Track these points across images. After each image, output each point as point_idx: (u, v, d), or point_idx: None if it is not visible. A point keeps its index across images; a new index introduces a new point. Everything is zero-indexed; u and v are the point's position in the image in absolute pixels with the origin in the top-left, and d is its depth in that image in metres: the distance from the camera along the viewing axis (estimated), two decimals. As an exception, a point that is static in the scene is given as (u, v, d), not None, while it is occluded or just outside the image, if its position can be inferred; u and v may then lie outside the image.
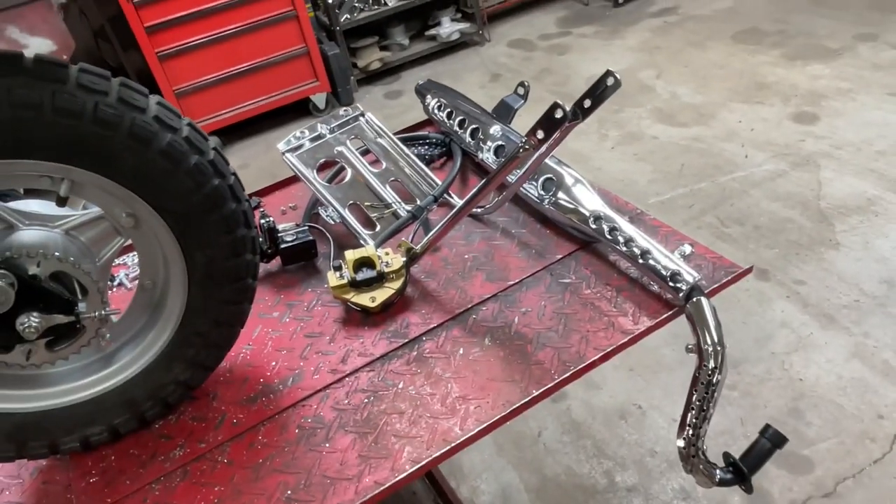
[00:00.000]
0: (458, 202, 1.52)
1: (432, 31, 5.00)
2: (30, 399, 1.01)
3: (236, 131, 4.41)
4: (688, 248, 1.18)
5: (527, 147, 1.02)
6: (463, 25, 5.00)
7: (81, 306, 0.93)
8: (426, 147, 1.73)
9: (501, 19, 5.36)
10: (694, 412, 1.08)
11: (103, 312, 0.94)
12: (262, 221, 1.37)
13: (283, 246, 1.38)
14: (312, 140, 1.57)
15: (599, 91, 0.98)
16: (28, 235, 0.92)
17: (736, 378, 2.22)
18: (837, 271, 2.55)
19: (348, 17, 4.60)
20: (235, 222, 1.01)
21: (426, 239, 1.27)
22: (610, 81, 0.97)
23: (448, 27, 4.95)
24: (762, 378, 2.21)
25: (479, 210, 1.47)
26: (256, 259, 1.09)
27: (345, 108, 1.63)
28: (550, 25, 5.17)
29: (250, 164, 4.21)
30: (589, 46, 4.71)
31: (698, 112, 3.69)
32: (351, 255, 1.26)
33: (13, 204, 0.96)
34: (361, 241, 1.41)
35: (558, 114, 0.96)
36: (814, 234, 2.73)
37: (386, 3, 4.69)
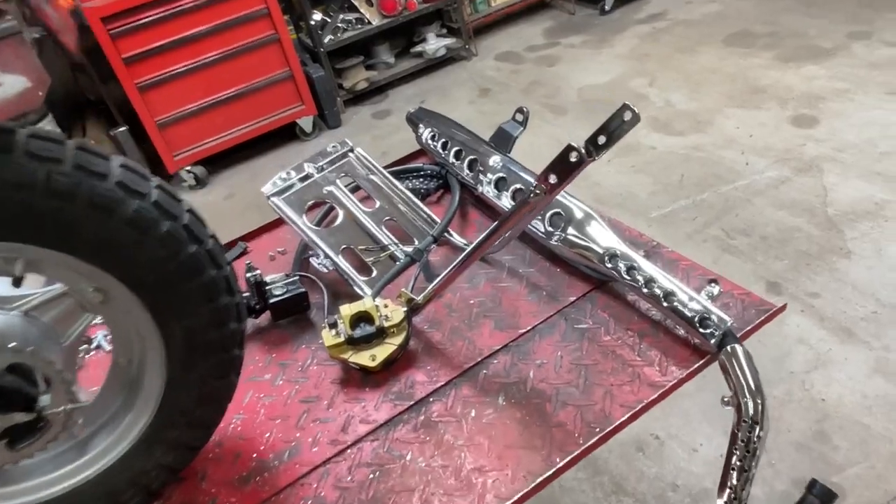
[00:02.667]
0: (458, 240, 1.41)
1: (418, 48, 4.92)
2: (-9, 504, 0.90)
3: (222, 159, 4.30)
4: (716, 289, 1.08)
5: (538, 192, 0.92)
6: (449, 41, 4.92)
7: (44, 399, 0.82)
8: (421, 180, 1.62)
9: (487, 32, 5.28)
10: (735, 473, 0.98)
11: (69, 407, 0.83)
12: (249, 276, 1.26)
13: (272, 301, 1.27)
14: (300, 181, 1.46)
15: (615, 127, 0.88)
16: (-21, 323, 0.81)
17: (755, 401, 2.11)
18: (851, 281, 2.45)
19: (332, 37, 4.51)
20: (216, 290, 0.90)
21: (429, 288, 1.16)
22: (627, 116, 0.87)
23: (434, 43, 4.87)
24: (783, 400, 2.11)
25: (482, 249, 1.36)
26: (242, 326, 0.98)
27: (333, 144, 1.53)
28: (537, 37, 5.10)
29: (236, 193, 4.10)
30: (578, 56, 4.64)
31: (694, 119, 3.61)
32: (347, 309, 1.15)
33: (-37, 286, 0.85)
34: (357, 290, 1.30)
35: (573, 157, 0.86)
36: (823, 243, 2.64)
37: (370, 22, 4.60)
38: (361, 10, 4.65)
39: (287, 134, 4.43)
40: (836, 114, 3.34)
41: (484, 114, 4.24)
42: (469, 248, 1.08)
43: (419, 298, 1.17)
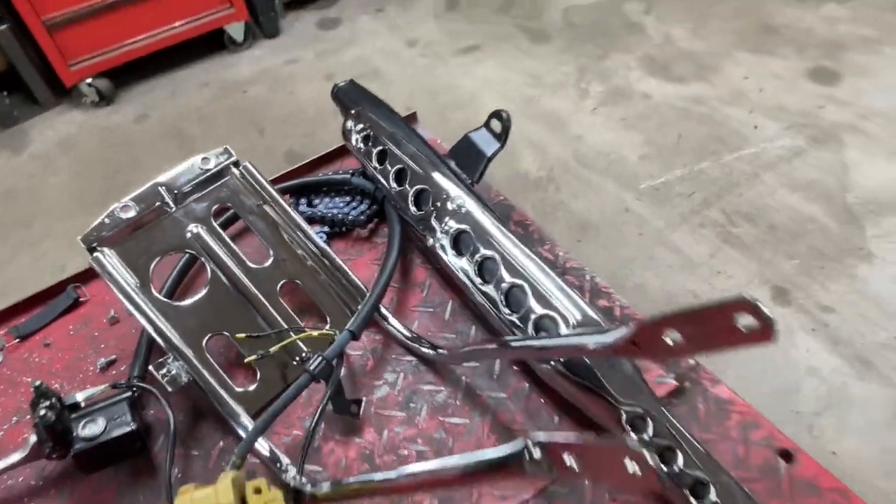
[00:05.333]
0: (395, 326, 0.93)
1: (376, -58, 4.11)
2: None
3: (133, 72, 3.56)
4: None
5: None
6: (413, -65, 4.12)
7: None
8: (345, 201, 1.10)
9: (459, -74, 4.47)
10: None
11: None
12: (43, 410, 0.76)
13: (77, 448, 0.77)
14: (146, 217, 0.92)
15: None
16: None
17: (755, 450, 1.76)
18: (872, 293, 2.07)
19: (270, -78, 3.68)
20: None
21: (334, 483, 0.69)
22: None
23: (395, -63, 4.07)
24: (788, 451, 1.76)
25: (431, 353, 0.88)
26: None
27: (204, 155, 0.97)
28: (518, -64, 4.33)
29: (151, 113, 3.41)
30: (563, -33, 3.94)
31: (698, 63, 3.06)
32: (187, 501, 0.67)
33: None
34: (228, 420, 0.82)
35: None
36: (841, 241, 2.23)
37: None
38: None
39: (214, 43, 3.69)
40: (862, 69, 2.85)
41: (449, 33, 3.58)
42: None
43: (322, 490, 0.69)
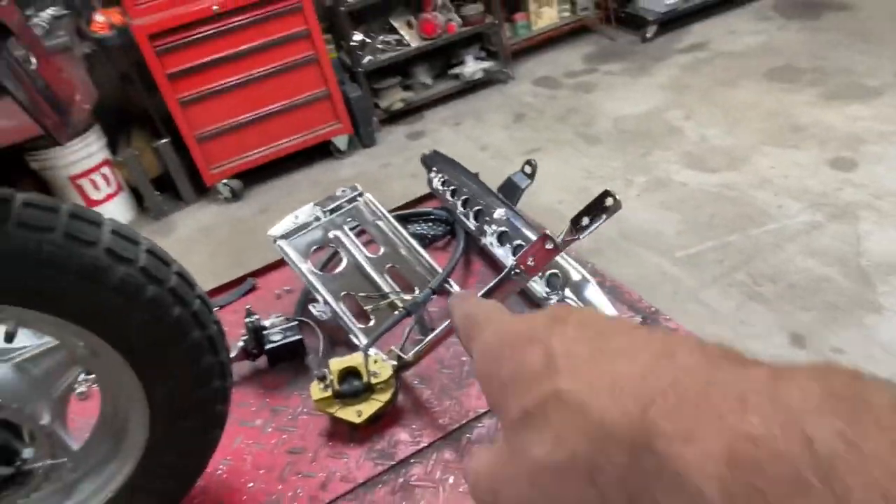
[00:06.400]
0: (458, 291, 1.42)
1: (455, 70, 4.95)
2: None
3: (258, 174, 4.40)
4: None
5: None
6: (487, 64, 4.94)
7: (27, 452, 0.86)
8: (429, 225, 1.64)
9: (526, 56, 5.28)
10: None
11: (50, 462, 0.87)
12: (248, 321, 1.29)
13: (268, 347, 1.30)
14: (307, 224, 1.49)
15: (596, 212, 0.88)
16: (-33, 377, 0.85)
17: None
18: (880, 340, 2.37)
19: (371, 58, 4.58)
20: (200, 351, 0.93)
21: (419, 347, 1.17)
22: (609, 202, 0.87)
23: (472, 66, 4.90)
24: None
25: (479, 304, 1.37)
26: (227, 383, 1.00)
27: (342, 188, 1.55)
28: (576, 62, 5.08)
29: (270, 208, 4.18)
30: (615, 84, 4.60)
31: (729, 156, 3.54)
32: (336, 364, 1.17)
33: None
34: (353, 338, 1.32)
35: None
36: (853, 296, 2.55)
37: (409, 44, 4.66)
38: (401, 32, 4.71)
39: (322, 151, 4.50)
40: (878, 158, 3.24)
41: (516, 140, 4.24)
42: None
43: (409, 357, 1.18)
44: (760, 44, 4.62)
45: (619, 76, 4.71)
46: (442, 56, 5.06)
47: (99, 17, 3.81)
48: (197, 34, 3.77)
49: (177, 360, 0.91)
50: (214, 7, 3.73)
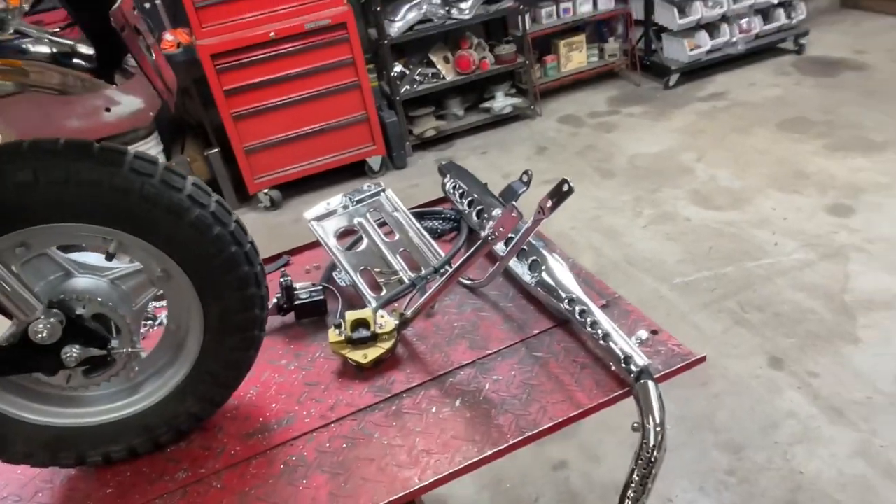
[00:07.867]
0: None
1: (486, 104, 5.29)
2: (65, 416, 1.22)
3: (295, 186, 4.75)
4: (644, 334, 1.30)
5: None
6: (516, 100, 5.28)
7: (114, 343, 1.15)
8: (439, 221, 1.92)
9: (554, 96, 5.61)
10: (634, 486, 1.19)
11: (131, 350, 1.15)
12: (282, 280, 1.58)
13: (297, 302, 1.58)
14: (337, 210, 1.79)
15: (559, 196, 1.16)
16: (80, 282, 1.15)
17: (736, 464, 2.25)
18: (854, 366, 2.55)
19: (408, 88, 4.94)
20: (247, 282, 1.21)
21: (417, 305, 1.44)
22: (566, 188, 1.14)
23: (502, 101, 5.23)
24: (762, 466, 2.23)
25: (471, 282, 1.63)
26: (264, 314, 1.28)
27: (368, 183, 1.85)
28: (601, 104, 5.38)
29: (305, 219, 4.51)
30: (635, 126, 4.88)
31: (734, 196, 3.77)
32: (350, 315, 1.45)
33: (74, 255, 1.19)
34: (366, 303, 1.59)
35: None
36: (834, 327, 2.74)
37: (444, 78, 5.02)
38: (438, 66, 5.08)
39: (357, 170, 4.85)
40: (875, 206, 3.43)
41: (536, 170, 4.47)
42: (454, 267, 1.36)
43: (408, 314, 1.45)
44: (777, 96, 4.87)
45: (640, 118, 4.99)
46: (474, 90, 5.41)
47: (168, 36, 4.24)
48: (254, 56, 4.17)
49: (229, 286, 1.19)
50: (271, 33, 4.13)
